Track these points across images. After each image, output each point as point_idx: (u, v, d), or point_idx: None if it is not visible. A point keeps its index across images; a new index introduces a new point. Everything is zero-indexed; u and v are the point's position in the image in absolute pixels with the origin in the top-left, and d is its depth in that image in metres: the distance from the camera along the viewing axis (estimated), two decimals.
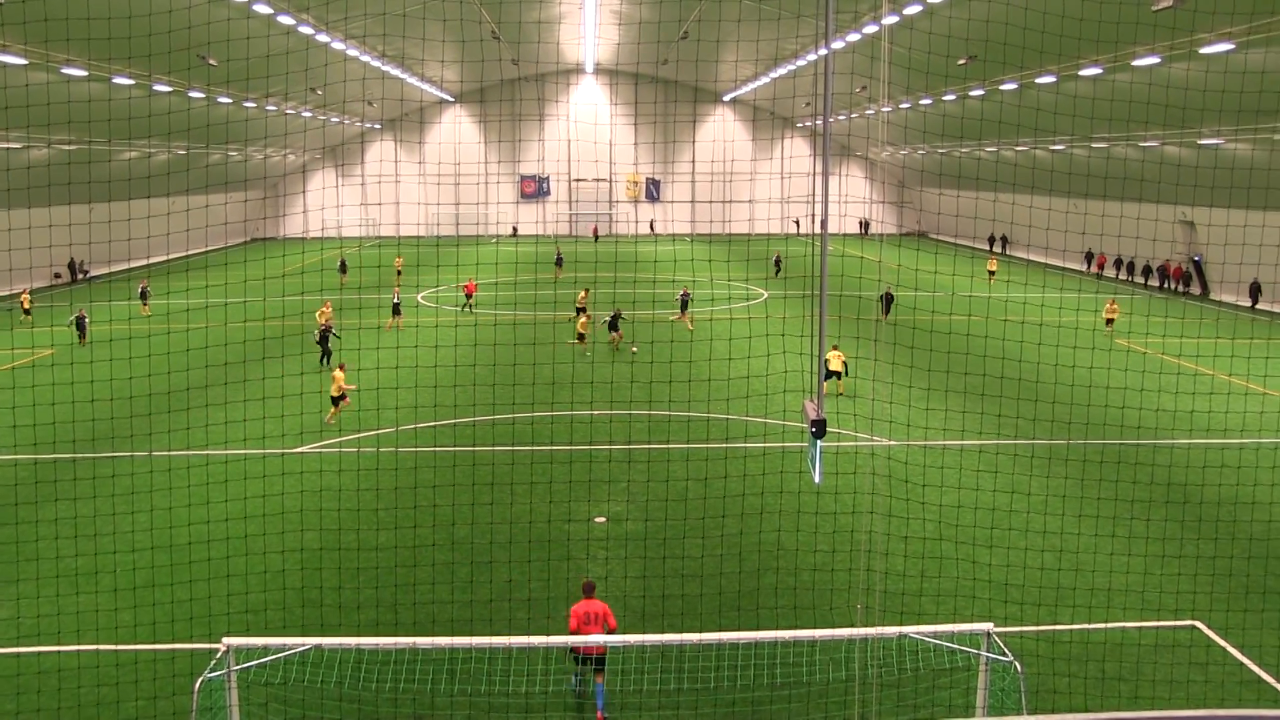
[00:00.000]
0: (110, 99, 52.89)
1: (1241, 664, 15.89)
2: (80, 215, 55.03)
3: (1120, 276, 68.65)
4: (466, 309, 51.33)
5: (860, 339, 40.65)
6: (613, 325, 40.67)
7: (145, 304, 50.86)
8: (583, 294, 45.58)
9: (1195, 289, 61.13)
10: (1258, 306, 53.79)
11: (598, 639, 13.06)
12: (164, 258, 73.74)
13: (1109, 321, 43.68)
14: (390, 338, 41.98)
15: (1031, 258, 79.24)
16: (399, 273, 64.76)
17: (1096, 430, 27.63)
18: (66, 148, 55.93)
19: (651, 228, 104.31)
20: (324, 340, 37.13)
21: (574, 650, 14.10)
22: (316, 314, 42.25)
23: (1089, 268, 71.13)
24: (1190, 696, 14.82)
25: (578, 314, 43.37)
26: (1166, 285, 62.49)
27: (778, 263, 68.02)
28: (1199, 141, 53.19)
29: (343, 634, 16.61)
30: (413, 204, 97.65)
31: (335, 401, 29.23)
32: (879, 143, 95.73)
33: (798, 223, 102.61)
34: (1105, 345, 38.60)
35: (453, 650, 15.04)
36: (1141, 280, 65.83)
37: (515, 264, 74.19)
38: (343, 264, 64.74)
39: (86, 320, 42.04)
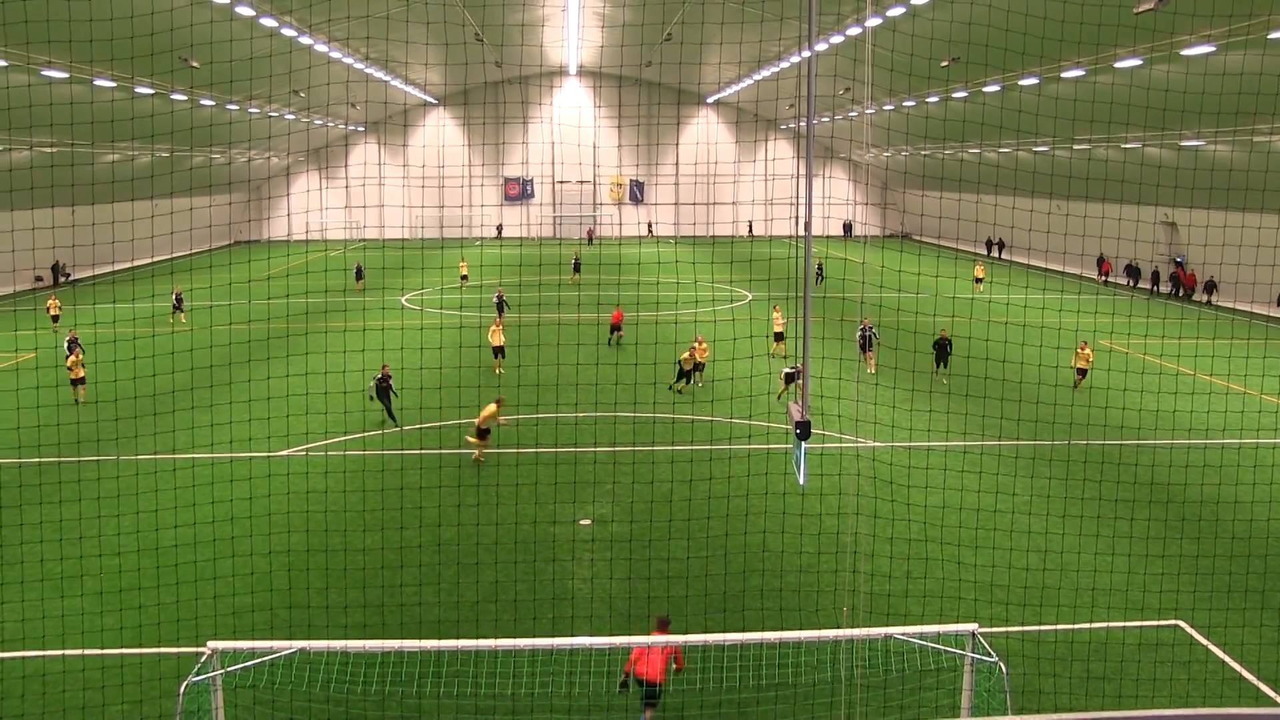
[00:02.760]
0: (92, 101, 52.64)
1: (1223, 662, 16.00)
2: (62, 218, 54.81)
3: (1130, 284, 65.41)
4: (614, 342, 42.12)
5: (845, 340, 40.72)
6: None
7: (180, 311, 49.49)
8: (777, 316, 39.66)
9: (1165, 288, 61.23)
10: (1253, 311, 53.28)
11: (647, 641, 13.01)
12: (148, 260, 73.46)
13: (1080, 373, 33.80)
14: (375, 339, 41.86)
15: (1032, 262, 77.67)
16: (464, 277, 64.05)
17: (1080, 431, 27.77)
18: (48, 150, 55.69)
19: (650, 230, 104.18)
20: (384, 395, 29.60)
21: (627, 675, 13.71)
22: (490, 334, 37.71)
23: (1098, 274, 68.28)
24: (1173, 695, 14.91)
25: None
26: (1178, 293, 60.19)
27: (820, 271, 64.05)
28: (1180, 143, 53.46)
29: (328, 637, 16.57)
30: (396, 206, 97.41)
31: (482, 435, 26.10)
32: (862, 144, 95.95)
33: (750, 225, 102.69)
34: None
35: (439, 652, 15.02)
36: (1149, 287, 62.97)
37: (500, 266, 74.08)
38: (358, 270, 63.62)
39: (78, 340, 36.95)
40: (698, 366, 33.80)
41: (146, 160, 68.67)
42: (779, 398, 31.58)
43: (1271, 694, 15.14)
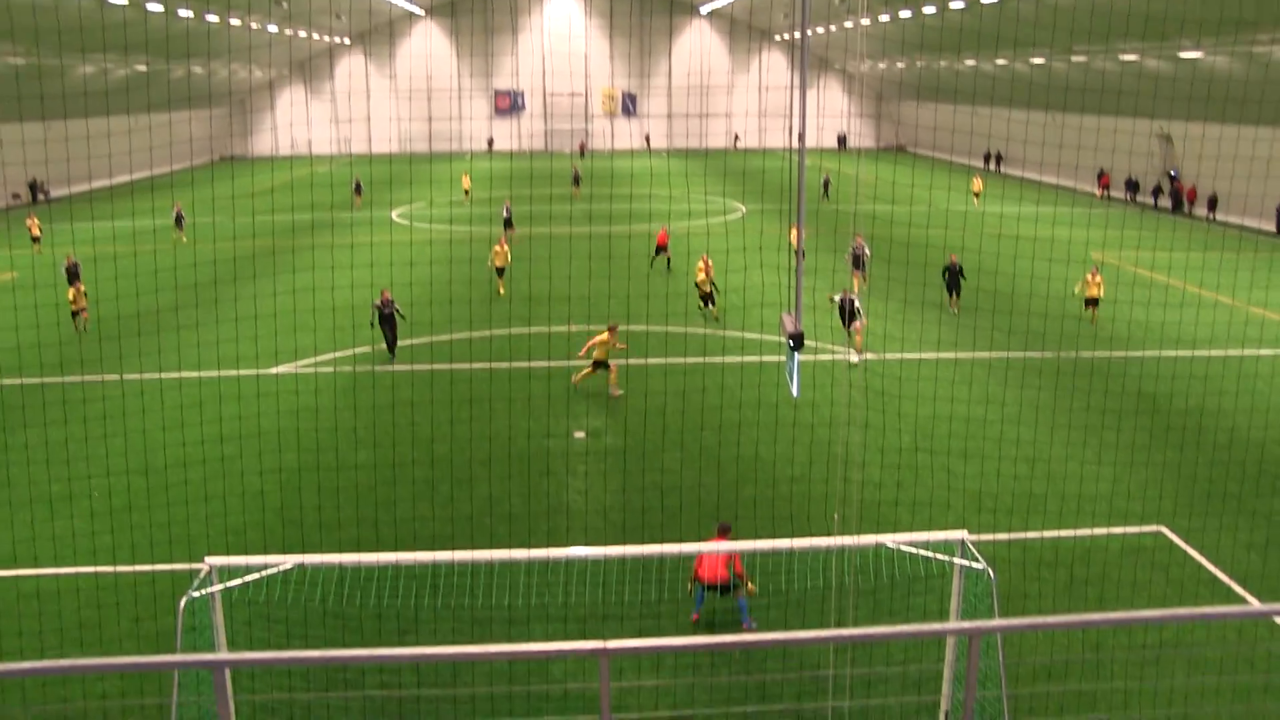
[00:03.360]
0: (57, 6, 51.02)
1: (1201, 566, 16.31)
2: (35, 133, 53.88)
3: (1129, 198, 63.93)
4: (666, 266, 40.11)
5: (839, 253, 40.60)
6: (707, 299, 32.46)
7: (180, 229, 48.89)
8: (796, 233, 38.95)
9: (1168, 202, 60.85)
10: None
11: (714, 546, 13.44)
12: (128, 177, 72.56)
13: (1091, 303, 31.14)
14: (364, 254, 41.66)
15: (1030, 175, 76.07)
16: (467, 191, 63.21)
17: (1070, 342, 27.84)
18: (16, 61, 54.30)
19: (648, 142, 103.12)
20: (387, 321, 27.70)
21: (695, 580, 14.45)
22: (493, 254, 36.56)
23: (1098, 188, 66.81)
24: (1153, 598, 15.20)
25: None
26: (1181, 208, 58.77)
27: (826, 185, 62.94)
28: (1179, 54, 52.80)
29: (325, 552, 16.70)
30: (385, 120, 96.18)
31: (597, 366, 24.64)
32: (857, 56, 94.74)
33: (737, 137, 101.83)
34: (1080, 257, 38.68)
35: (435, 566, 15.16)
36: (1151, 201, 61.72)
37: (490, 179, 73.43)
38: (357, 185, 62.54)
39: (79, 266, 35.17)
40: (713, 291, 32.32)
41: (123, 74, 67.38)
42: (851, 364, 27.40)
43: (1244, 594, 15.46)
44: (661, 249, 39.87)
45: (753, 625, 14.38)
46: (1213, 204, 55.75)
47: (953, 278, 32.74)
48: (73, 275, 33.55)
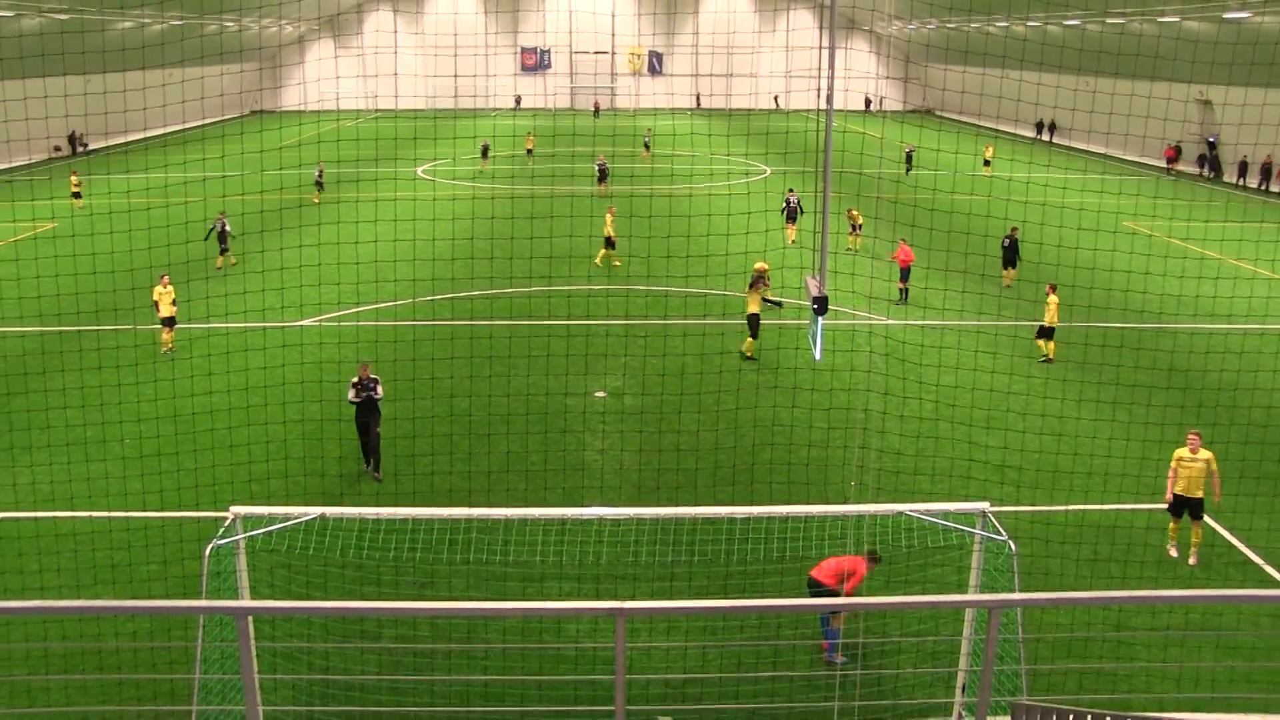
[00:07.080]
0: None
1: (1233, 546, 16.14)
2: (76, 86, 54.24)
3: (1208, 174, 59.47)
4: (901, 298, 30.03)
5: (878, 219, 40.36)
6: None
7: (320, 189, 48.03)
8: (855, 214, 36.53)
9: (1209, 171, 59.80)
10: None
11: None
12: (162, 130, 72.82)
13: (1045, 333, 24.73)
14: (388, 210, 41.67)
15: (1092, 148, 70.59)
16: (530, 150, 63.36)
17: (1100, 313, 27.61)
18: (59, 16, 54.69)
19: (699, 103, 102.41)
20: (367, 411, 18.04)
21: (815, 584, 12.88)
22: (605, 222, 33.52)
23: (1166, 162, 62.10)
24: (1179, 576, 15.09)
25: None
26: (1266, 186, 54.05)
27: (909, 158, 56.67)
28: (1223, 16, 51.70)
29: (346, 504, 16.84)
30: (411, 76, 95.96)
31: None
32: (886, 16, 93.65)
33: (776, 99, 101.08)
34: (1111, 227, 38.28)
35: (454, 521, 15.25)
36: (1236, 181, 56.15)
37: (513, 137, 73.17)
38: (484, 148, 59.87)
39: (229, 231, 33.41)
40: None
41: (159, 28, 67.48)
42: None
43: (1277, 576, 15.29)
44: (905, 272, 29.98)
45: (836, 659, 13.22)
46: None
47: (1010, 251, 31.33)
48: (222, 238, 32.37)
